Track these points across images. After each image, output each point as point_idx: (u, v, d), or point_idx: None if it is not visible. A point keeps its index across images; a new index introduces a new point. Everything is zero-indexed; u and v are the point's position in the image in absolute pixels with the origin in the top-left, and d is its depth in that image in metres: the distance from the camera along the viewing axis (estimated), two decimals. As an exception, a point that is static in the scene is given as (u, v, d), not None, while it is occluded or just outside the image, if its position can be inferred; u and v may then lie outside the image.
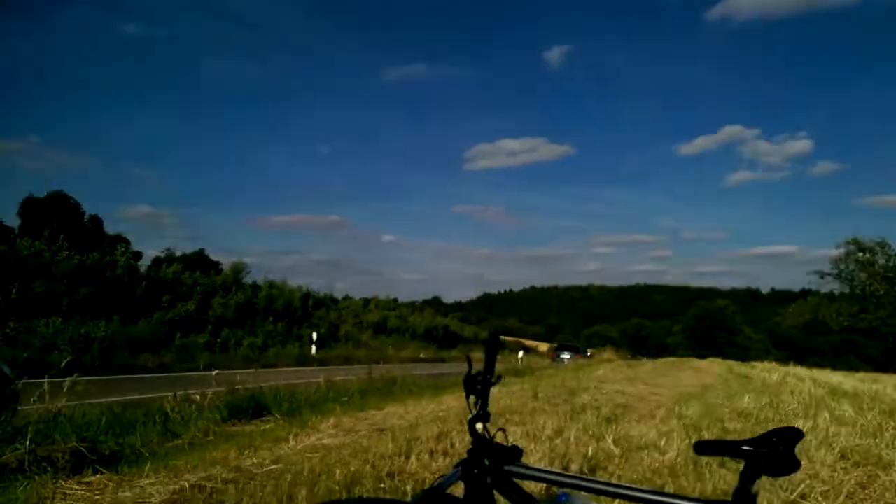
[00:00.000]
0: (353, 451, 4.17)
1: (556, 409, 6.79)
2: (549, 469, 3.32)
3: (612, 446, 4.57)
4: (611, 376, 10.85)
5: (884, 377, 16.33)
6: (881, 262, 35.89)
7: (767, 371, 11.42)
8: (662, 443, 4.61)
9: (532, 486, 3.36)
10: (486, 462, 2.16)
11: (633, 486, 3.20)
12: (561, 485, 2.50)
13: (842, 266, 36.68)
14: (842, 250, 36.58)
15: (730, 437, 2.11)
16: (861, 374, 16.71)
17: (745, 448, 2.22)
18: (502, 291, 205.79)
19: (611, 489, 2.63)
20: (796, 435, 2.25)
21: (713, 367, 14.06)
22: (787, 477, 3.61)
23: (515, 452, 2.33)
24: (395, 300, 34.43)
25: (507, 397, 7.90)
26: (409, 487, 3.34)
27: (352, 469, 3.56)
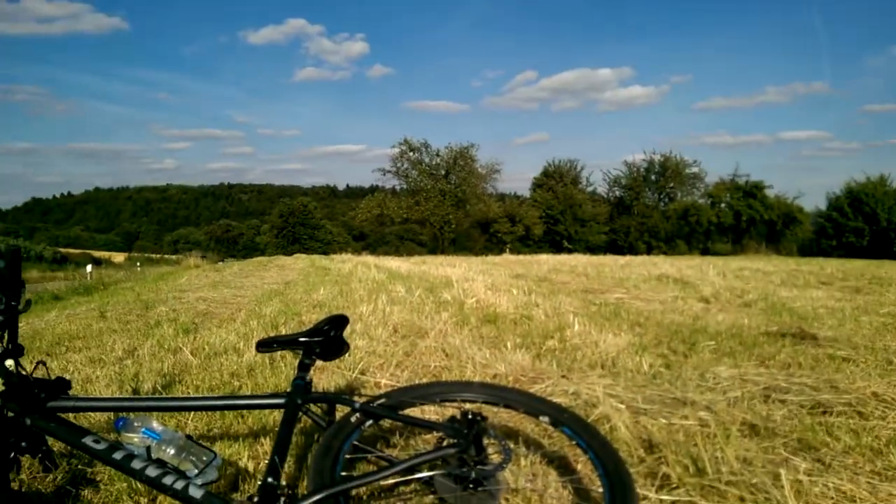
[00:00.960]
0: None
1: (127, 326, 6.07)
2: (104, 396, 2.80)
3: (190, 356, 4.31)
4: (194, 283, 10.35)
5: (430, 258, 20.14)
6: (427, 160, 43.74)
7: (343, 262, 12.72)
8: (241, 345, 4.58)
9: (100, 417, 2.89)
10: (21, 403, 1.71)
11: (191, 396, 2.95)
12: (115, 409, 2.09)
13: (398, 164, 43.28)
14: (396, 149, 43.03)
15: (305, 329, 2.05)
16: (415, 258, 20.18)
17: (301, 339, 2.25)
18: (58, 195, 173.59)
19: (166, 403, 2.36)
20: (344, 321, 2.40)
21: (298, 263, 14.89)
22: (351, 357, 4.01)
23: (61, 385, 1.85)
24: None
25: (67, 321, 6.70)
26: None
27: None
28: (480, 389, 2.18)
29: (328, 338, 2.15)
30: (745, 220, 41.61)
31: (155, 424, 1.94)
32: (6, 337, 1.64)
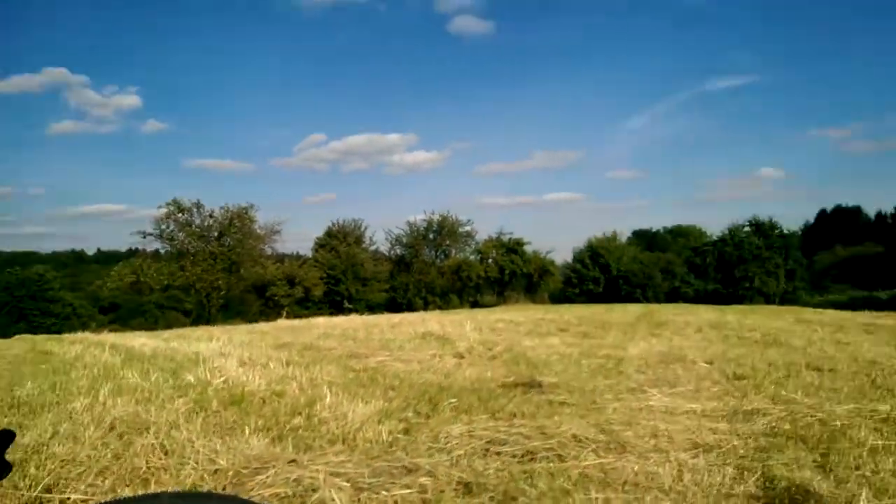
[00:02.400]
0: None
1: None
2: None
3: None
4: None
5: (189, 331, 18.45)
6: (197, 221, 40.60)
7: (73, 343, 10.95)
8: None
9: None
10: None
11: None
12: None
13: (163, 226, 39.42)
14: (163, 210, 39.27)
15: None
16: (171, 332, 18.30)
17: None
18: None
19: None
20: (7, 437, 2.00)
21: (12, 349, 12.25)
22: (38, 469, 3.37)
23: None
24: None
25: None
26: None
27: None
28: (169, 501, 1.96)
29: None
30: (508, 274, 46.26)
31: None
32: None
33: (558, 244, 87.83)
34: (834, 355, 7.87)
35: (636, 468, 3.33)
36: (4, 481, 3.08)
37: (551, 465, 3.57)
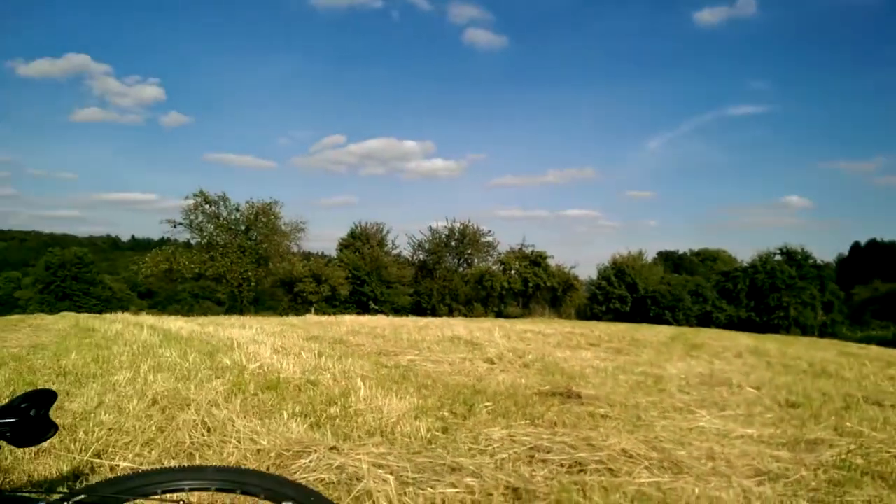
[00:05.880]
0: None
1: None
2: None
3: None
4: None
5: (223, 319, 18.66)
6: (224, 214, 41.17)
7: (113, 322, 11.17)
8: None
9: None
10: None
11: None
12: None
13: (191, 216, 40.02)
14: (191, 201, 39.89)
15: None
16: (206, 319, 18.56)
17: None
18: None
19: None
20: (49, 397, 1.96)
21: (59, 323, 12.72)
22: (88, 435, 3.38)
23: None
24: None
25: None
26: None
27: None
28: (214, 475, 1.90)
29: (25, 418, 1.73)
30: (532, 286, 45.88)
31: None
32: None
33: (574, 260, 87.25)
34: (891, 391, 7.54)
35: (696, 491, 3.16)
36: (57, 443, 3.09)
37: (602, 478, 3.44)
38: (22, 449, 2.97)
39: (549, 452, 3.87)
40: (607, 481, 3.42)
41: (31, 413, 1.76)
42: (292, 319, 17.36)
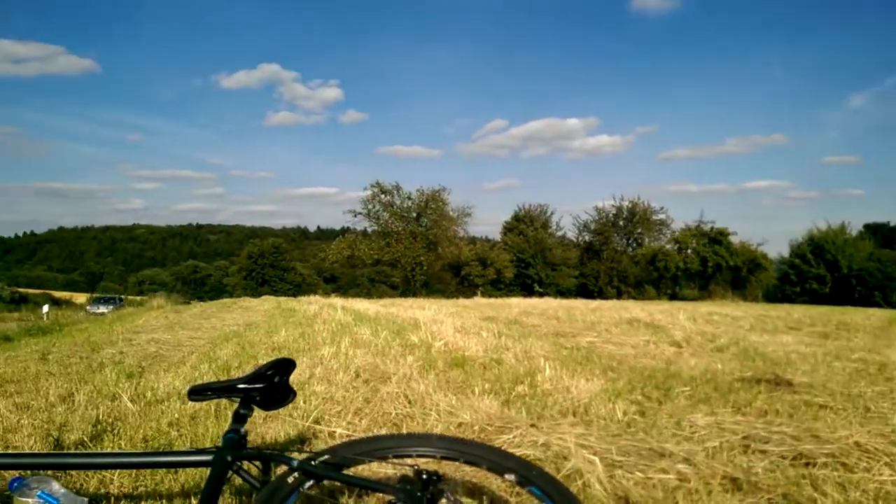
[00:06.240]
0: None
1: (67, 370, 5.63)
2: (8, 452, 2.42)
3: (129, 403, 3.95)
4: (151, 324, 9.86)
5: (400, 301, 19.83)
6: (398, 203, 43.71)
7: (310, 304, 12.36)
8: (186, 391, 4.24)
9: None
10: None
11: (109, 452, 2.58)
12: (17, 467, 1.79)
13: (369, 206, 43.12)
14: (368, 192, 42.94)
15: (246, 374, 1.80)
16: (385, 300, 19.84)
17: (239, 386, 1.96)
18: (20, 234, 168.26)
19: (78, 460, 2.05)
20: (290, 366, 2.13)
21: (263, 305, 14.44)
22: (306, 403, 3.71)
23: None
24: None
25: (3, 363, 6.22)
26: None
27: None
28: (439, 443, 1.93)
29: (271, 384, 1.89)
30: (712, 266, 42.24)
31: (55, 487, 1.65)
32: None
33: (761, 236, 77.81)
34: None
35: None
36: (282, 410, 3.43)
37: (836, 473, 3.00)
38: (257, 412, 3.33)
39: (766, 443, 3.48)
40: (842, 476, 2.98)
41: (276, 380, 1.93)
42: (464, 301, 17.87)
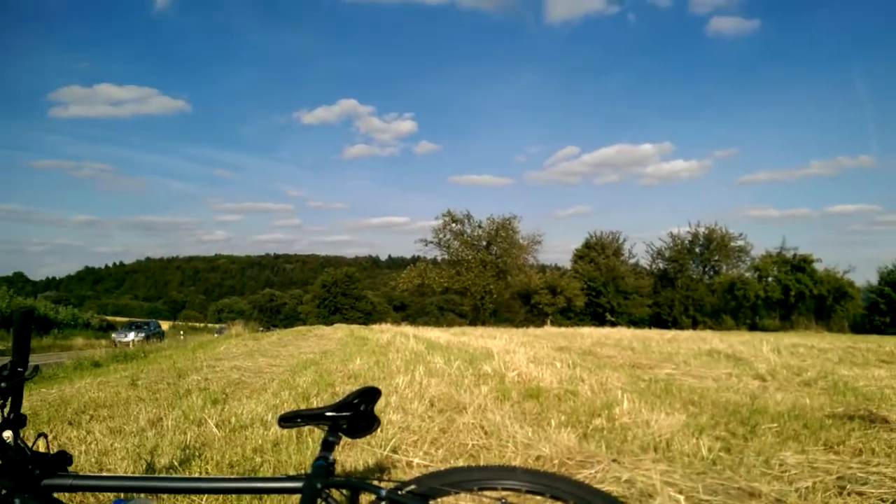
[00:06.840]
0: None
1: (156, 395, 6.00)
2: (107, 474, 2.61)
3: (215, 429, 4.17)
4: (232, 352, 10.34)
5: (469, 329, 19.84)
6: (468, 231, 43.97)
7: (382, 332, 12.61)
8: (269, 417, 4.43)
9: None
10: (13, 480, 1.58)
11: (201, 477, 2.73)
12: (116, 489, 1.95)
13: (440, 235, 43.61)
14: (440, 221, 43.47)
15: (334, 402, 1.90)
16: (455, 329, 19.91)
17: (328, 414, 2.07)
18: (110, 265, 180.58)
19: (173, 484, 2.20)
20: (375, 394, 2.21)
21: (337, 333, 14.83)
22: (383, 433, 3.80)
23: (61, 460, 1.72)
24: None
25: (97, 388, 6.69)
26: None
27: None
28: (524, 476, 1.94)
29: (357, 412, 1.97)
30: (794, 295, 39.83)
31: (159, 508, 1.79)
32: (8, 405, 1.53)
33: (847, 263, 72.79)
34: None
35: None
36: (365, 437, 3.54)
37: (948, 521, 2.78)
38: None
39: (863, 484, 3.27)
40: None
41: (362, 408, 2.01)
42: (535, 331, 17.67)
